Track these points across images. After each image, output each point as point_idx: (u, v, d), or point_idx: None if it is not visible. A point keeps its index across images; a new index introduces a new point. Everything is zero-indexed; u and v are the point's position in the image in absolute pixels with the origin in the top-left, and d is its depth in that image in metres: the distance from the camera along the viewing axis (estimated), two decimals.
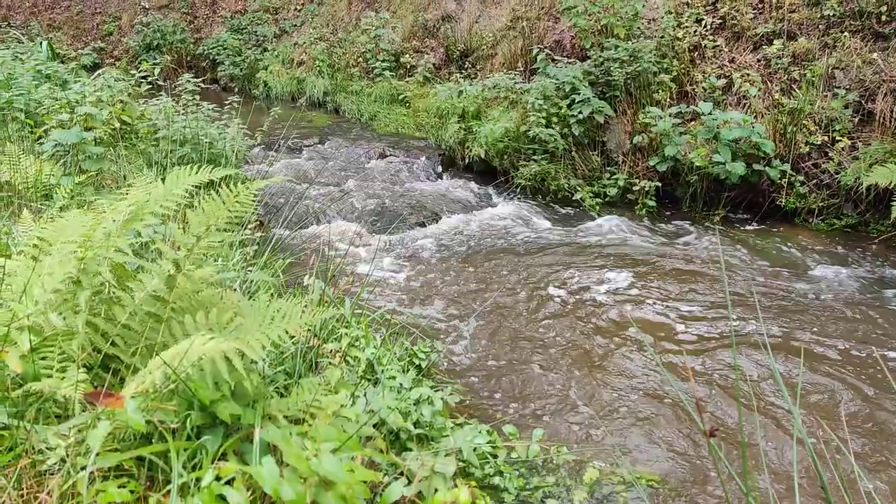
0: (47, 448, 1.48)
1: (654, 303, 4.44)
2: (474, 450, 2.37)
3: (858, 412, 3.27)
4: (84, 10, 16.13)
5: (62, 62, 9.04)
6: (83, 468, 1.39)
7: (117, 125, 5.50)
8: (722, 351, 3.80)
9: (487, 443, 2.48)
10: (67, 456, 1.45)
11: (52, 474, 1.45)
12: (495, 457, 2.49)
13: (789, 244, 5.50)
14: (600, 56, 6.96)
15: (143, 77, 6.77)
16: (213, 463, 1.50)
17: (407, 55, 10.85)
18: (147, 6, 15.74)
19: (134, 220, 1.97)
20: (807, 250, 5.36)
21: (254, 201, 1.98)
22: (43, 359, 1.71)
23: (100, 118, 5.15)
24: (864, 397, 3.38)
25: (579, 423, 3.18)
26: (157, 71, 6.90)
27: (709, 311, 4.29)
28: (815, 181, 5.92)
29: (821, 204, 5.86)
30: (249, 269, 3.20)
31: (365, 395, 2.30)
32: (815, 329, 4.07)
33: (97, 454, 1.40)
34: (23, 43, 9.03)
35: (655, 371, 3.59)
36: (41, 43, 9.51)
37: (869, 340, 3.95)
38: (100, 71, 6.73)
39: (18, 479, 1.42)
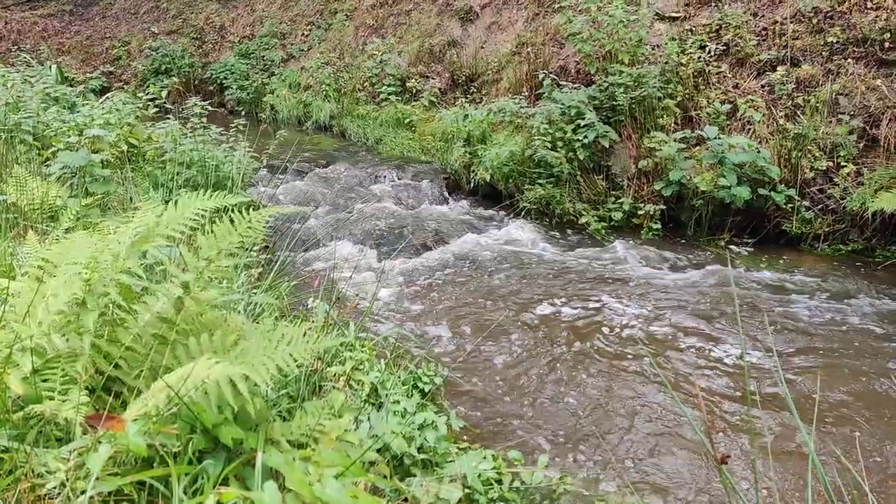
0: (47, 472, 1.45)
1: (661, 327, 4.41)
2: (479, 476, 2.34)
3: (872, 437, 3.22)
4: (93, 35, 16.35)
5: (71, 86, 9.14)
6: (83, 492, 1.36)
7: (124, 148, 5.54)
8: (731, 375, 3.76)
9: (492, 468, 2.45)
10: (67, 480, 1.43)
11: (52, 498, 1.43)
12: (500, 483, 2.45)
13: (795, 269, 5.47)
14: (605, 81, 7.01)
15: (151, 100, 6.83)
16: (214, 488, 1.48)
17: (413, 80, 10.94)
18: (156, 31, 15.95)
19: (143, 243, 1.97)
20: (813, 275, 5.33)
21: (264, 226, 1.98)
22: (45, 381, 1.70)
23: (107, 141, 5.18)
24: (877, 422, 3.33)
25: (586, 448, 3.14)
26: (164, 94, 6.97)
27: (716, 335, 4.26)
28: (820, 206, 5.91)
29: (826, 229, 5.84)
30: (254, 291, 3.19)
31: (369, 419, 2.28)
32: (824, 354, 4.04)
33: (97, 478, 1.38)
34: (32, 67, 9.14)
35: (664, 395, 3.55)
36: (50, 67, 9.63)
37: (877, 366, 3.90)
38: (108, 94, 6.79)
39: (18, 503, 1.40)
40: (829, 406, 3.49)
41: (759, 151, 5.93)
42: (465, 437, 3.01)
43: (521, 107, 7.63)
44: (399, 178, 8.36)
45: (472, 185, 7.82)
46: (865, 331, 4.38)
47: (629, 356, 4.03)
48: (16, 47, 15.26)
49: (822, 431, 3.28)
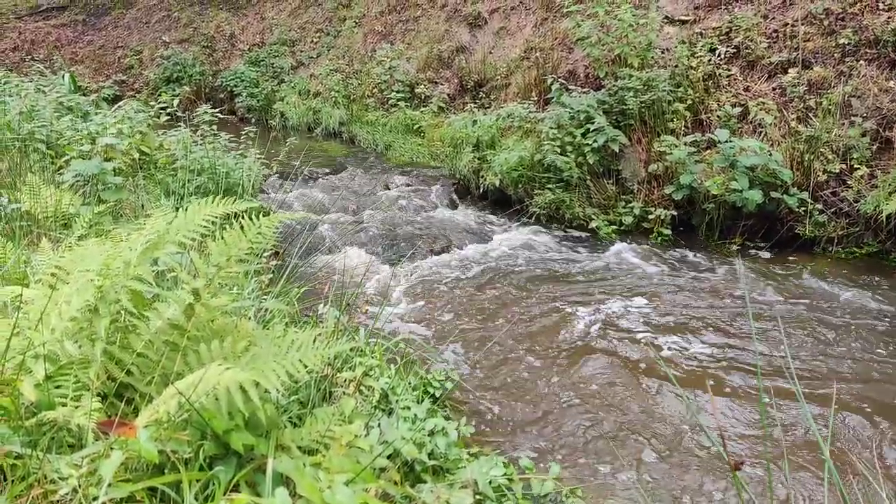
0: (60, 478, 1.46)
1: (673, 333, 4.38)
2: (490, 482, 2.32)
3: (889, 446, 3.19)
4: (106, 44, 16.50)
5: (84, 94, 9.20)
6: (95, 499, 1.37)
7: (136, 156, 5.57)
8: (746, 382, 3.73)
9: (503, 475, 2.43)
10: (80, 486, 1.43)
11: None
12: (511, 490, 2.43)
13: (809, 273, 5.42)
14: (614, 85, 7.00)
15: (162, 108, 6.87)
16: (225, 494, 1.48)
17: (421, 86, 10.96)
18: (167, 40, 16.08)
19: (154, 249, 1.98)
20: (827, 279, 5.29)
21: (273, 232, 1.99)
22: (58, 387, 1.71)
23: (120, 149, 5.22)
24: (893, 430, 3.30)
25: (596, 455, 3.12)
26: (175, 102, 7.01)
27: (730, 341, 4.23)
28: (833, 209, 5.86)
29: (840, 232, 5.79)
30: (264, 297, 3.20)
31: (379, 425, 2.27)
32: (840, 358, 3.99)
33: (109, 484, 1.38)
34: (45, 76, 9.22)
35: (676, 401, 3.52)
36: (64, 76, 9.72)
37: (893, 372, 3.86)
38: (120, 103, 6.84)
39: None
40: (846, 412, 3.45)
41: (770, 154, 5.89)
42: (475, 443, 3.00)
43: (530, 111, 7.63)
44: (408, 184, 8.36)
45: (481, 190, 7.82)
46: (880, 334, 4.33)
47: (640, 362, 4.01)
48: (30, 57, 15.42)
49: (838, 439, 3.24)
